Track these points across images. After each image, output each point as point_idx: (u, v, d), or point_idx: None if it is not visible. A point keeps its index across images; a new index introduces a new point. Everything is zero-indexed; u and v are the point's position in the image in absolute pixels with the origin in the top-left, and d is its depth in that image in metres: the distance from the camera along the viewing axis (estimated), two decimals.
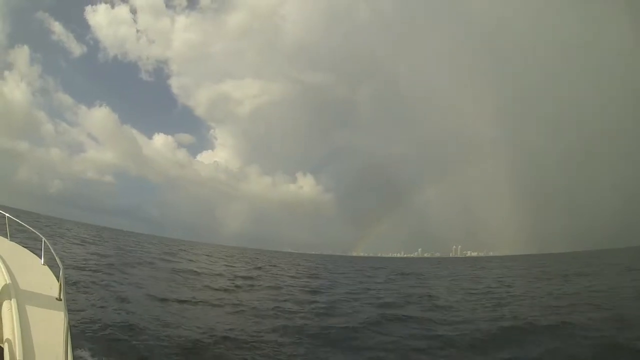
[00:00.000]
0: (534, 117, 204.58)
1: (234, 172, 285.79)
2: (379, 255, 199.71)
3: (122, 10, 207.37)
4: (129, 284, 14.08)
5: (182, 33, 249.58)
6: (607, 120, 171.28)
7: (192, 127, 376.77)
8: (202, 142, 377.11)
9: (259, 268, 31.39)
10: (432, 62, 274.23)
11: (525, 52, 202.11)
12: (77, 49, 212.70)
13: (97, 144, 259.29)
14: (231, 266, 30.59)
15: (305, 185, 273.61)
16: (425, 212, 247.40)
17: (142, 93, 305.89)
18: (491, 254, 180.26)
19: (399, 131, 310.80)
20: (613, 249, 72.62)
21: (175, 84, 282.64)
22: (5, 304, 2.84)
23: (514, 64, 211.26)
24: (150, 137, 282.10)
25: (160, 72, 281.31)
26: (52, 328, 2.66)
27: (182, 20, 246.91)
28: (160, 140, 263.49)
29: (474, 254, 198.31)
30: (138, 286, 13.84)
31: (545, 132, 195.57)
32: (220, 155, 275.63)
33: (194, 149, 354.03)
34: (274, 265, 37.45)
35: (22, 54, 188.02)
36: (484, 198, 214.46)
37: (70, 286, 10.74)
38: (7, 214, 4.91)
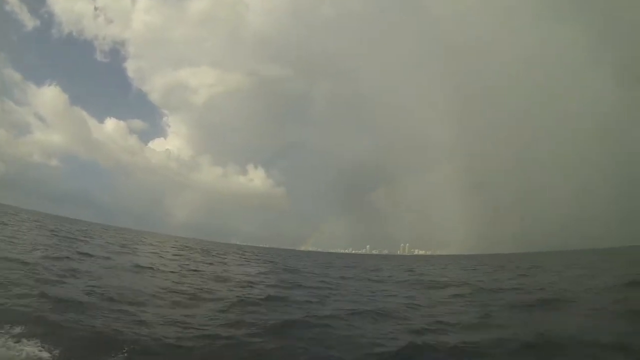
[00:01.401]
0: (490, 123, 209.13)
1: (186, 161, 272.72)
2: (328, 250, 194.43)
3: None
4: None
5: (142, 14, 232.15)
6: (562, 128, 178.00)
7: (145, 113, 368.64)
8: (155, 129, 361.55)
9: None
10: (394, 64, 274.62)
11: (488, 58, 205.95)
12: (30, 22, 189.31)
13: (45, 125, 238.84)
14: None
15: (256, 178, 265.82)
16: (376, 211, 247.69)
17: (96, 74, 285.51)
18: (438, 252, 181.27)
19: (355, 130, 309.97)
20: (562, 250, 73.28)
21: (131, 67, 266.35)
22: None
23: (476, 70, 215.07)
24: (101, 121, 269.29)
25: (117, 53, 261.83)
26: None
27: (143, 1, 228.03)
28: (111, 124, 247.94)
29: (422, 252, 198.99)
30: None
31: (501, 139, 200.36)
32: (172, 144, 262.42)
33: (146, 136, 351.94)
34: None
35: None
36: (436, 200, 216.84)
37: None
38: None
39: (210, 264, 25.21)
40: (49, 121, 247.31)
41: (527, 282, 17.45)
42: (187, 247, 45.95)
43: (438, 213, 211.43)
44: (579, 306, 10.11)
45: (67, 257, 16.21)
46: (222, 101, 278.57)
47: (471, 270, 29.89)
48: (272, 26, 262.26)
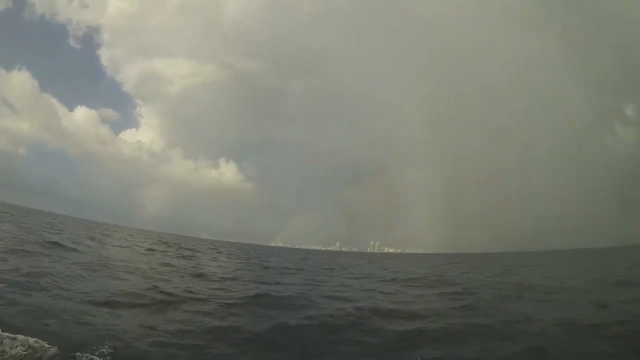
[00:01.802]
0: (469, 126, 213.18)
1: (157, 153, 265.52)
2: (297, 247, 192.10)
3: None
4: None
5: (118, 0, 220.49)
6: (541, 134, 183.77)
7: (117, 103, 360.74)
8: (127, 120, 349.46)
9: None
10: (374, 61, 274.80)
11: (471, 62, 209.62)
12: (1, 3, 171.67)
13: (13, 112, 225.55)
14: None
15: (228, 172, 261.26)
16: (345, 208, 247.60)
17: (68, 60, 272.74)
18: (408, 251, 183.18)
19: (330, 127, 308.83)
20: (533, 251, 75.01)
21: (105, 54, 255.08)
22: None
23: (457, 72, 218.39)
24: (71, 109, 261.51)
25: (90, 39, 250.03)
26: None
27: None
28: (82, 113, 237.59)
29: (392, 250, 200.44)
30: None
31: (478, 143, 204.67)
32: (144, 135, 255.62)
33: (118, 126, 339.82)
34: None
35: None
36: (409, 199, 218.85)
37: None
38: None
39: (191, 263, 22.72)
40: (18, 108, 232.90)
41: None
42: (163, 242, 42.20)
43: (410, 212, 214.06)
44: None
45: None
46: (196, 93, 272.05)
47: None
48: (251, 19, 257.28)
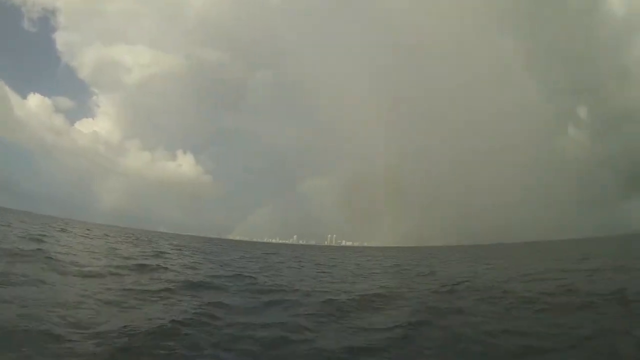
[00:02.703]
0: (426, 120, 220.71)
1: (114, 144, 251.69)
2: (254, 240, 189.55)
3: None
4: None
5: None
6: (494, 130, 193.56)
7: (73, 91, 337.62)
8: (83, 109, 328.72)
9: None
10: (336, 56, 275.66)
11: (431, 60, 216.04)
12: None
13: None
14: None
15: (185, 164, 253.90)
16: (305, 201, 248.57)
17: (21, 44, 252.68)
18: (365, 244, 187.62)
19: (289, 121, 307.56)
20: (488, 244, 79.80)
21: (61, 39, 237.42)
22: None
23: (417, 70, 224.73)
24: (24, 97, 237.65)
25: (46, 23, 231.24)
26: None
27: None
28: (35, 100, 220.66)
29: (349, 243, 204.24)
30: None
31: (434, 138, 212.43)
32: (100, 125, 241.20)
33: (73, 115, 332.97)
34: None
35: None
36: (366, 192, 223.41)
37: None
38: None
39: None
40: None
41: None
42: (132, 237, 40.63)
43: (367, 206, 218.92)
44: None
45: None
46: (156, 83, 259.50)
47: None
48: (214, 8, 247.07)
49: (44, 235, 22.70)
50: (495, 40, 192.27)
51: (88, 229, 45.90)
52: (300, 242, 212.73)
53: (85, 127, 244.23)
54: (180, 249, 29.26)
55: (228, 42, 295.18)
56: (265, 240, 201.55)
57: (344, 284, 14.27)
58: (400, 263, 26.88)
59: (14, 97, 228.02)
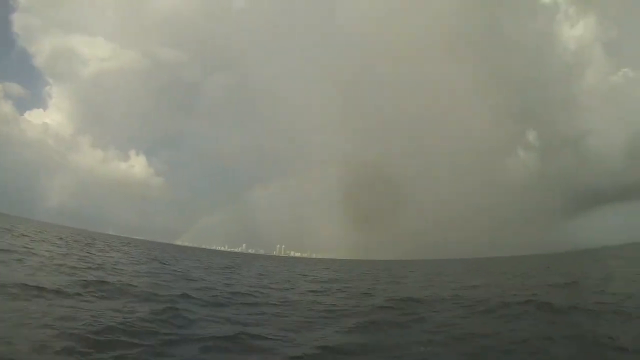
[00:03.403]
0: (376, 136, 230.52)
1: (65, 139, 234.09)
2: (203, 246, 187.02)
3: None
4: None
5: None
6: (441, 149, 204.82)
7: (26, 78, 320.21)
8: (35, 98, 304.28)
9: None
10: (293, 64, 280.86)
11: (386, 78, 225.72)
12: None
13: None
14: None
15: (137, 165, 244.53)
16: (255, 210, 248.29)
17: None
18: (314, 255, 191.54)
19: (243, 126, 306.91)
20: (438, 259, 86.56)
21: (18, 21, 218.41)
22: None
23: (370, 86, 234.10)
24: None
25: (5, 2, 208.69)
26: None
27: None
28: None
29: (297, 254, 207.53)
30: None
31: (384, 152, 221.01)
32: (52, 117, 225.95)
33: (24, 104, 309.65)
34: None
35: None
36: (316, 203, 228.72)
37: None
38: None
39: None
40: None
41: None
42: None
43: (315, 217, 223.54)
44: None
45: None
46: (112, 78, 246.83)
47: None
48: (176, 8, 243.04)
49: None
50: (450, 65, 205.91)
51: (40, 231, 42.38)
52: (250, 250, 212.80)
53: (35, 117, 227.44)
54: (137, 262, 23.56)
55: (187, 42, 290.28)
56: (213, 247, 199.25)
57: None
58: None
59: None
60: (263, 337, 7.53)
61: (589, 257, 41.24)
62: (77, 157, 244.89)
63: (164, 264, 24.81)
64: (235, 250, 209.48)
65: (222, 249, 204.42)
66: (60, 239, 34.87)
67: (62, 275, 12.66)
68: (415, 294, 14.41)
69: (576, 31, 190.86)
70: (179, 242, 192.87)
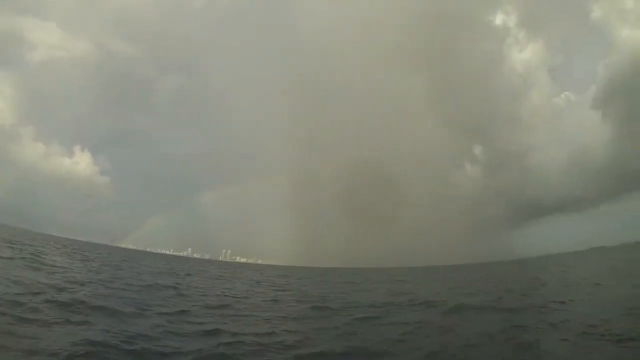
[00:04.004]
0: (328, 147, 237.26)
1: (5, 129, 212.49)
2: (148, 249, 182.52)
3: None
4: None
5: None
6: (393, 166, 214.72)
7: None
8: None
9: None
10: (250, 68, 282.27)
11: (341, 88, 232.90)
12: None
13: None
14: None
15: (82, 162, 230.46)
16: (201, 214, 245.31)
17: None
18: (260, 261, 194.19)
19: (195, 130, 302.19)
20: (388, 267, 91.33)
21: None
22: None
23: (327, 97, 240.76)
24: None
25: None
26: None
27: None
28: None
29: (243, 259, 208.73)
30: None
31: (336, 163, 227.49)
32: None
33: None
34: None
35: None
36: (263, 210, 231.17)
37: None
38: None
39: None
40: None
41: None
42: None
43: (262, 223, 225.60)
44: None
45: None
46: (61, 68, 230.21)
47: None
48: (136, 2, 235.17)
49: None
50: (406, 78, 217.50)
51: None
52: (195, 255, 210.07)
53: None
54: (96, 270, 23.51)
55: (144, 38, 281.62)
56: (159, 251, 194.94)
57: None
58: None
59: None
60: None
61: (528, 265, 48.66)
62: (17, 150, 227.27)
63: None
64: (181, 254, 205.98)
65: (167, 252, 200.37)
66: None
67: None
68: None
69: (524, 55, 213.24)
70: (122, 245, 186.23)
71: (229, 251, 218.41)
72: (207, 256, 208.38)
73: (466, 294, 19.94)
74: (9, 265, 17.24)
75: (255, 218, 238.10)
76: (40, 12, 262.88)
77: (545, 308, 13.05)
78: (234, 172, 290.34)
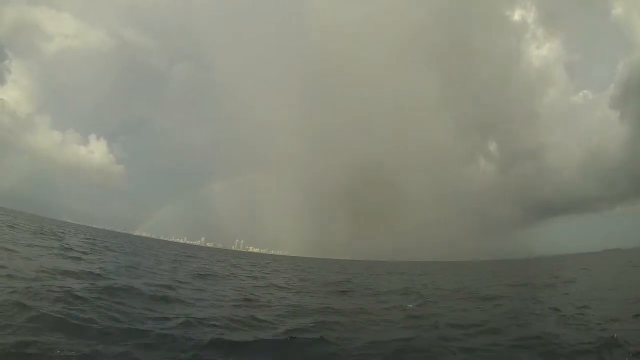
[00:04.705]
0: (337, 140, 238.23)
1: (22, 118, 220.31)
2: (162, 238, 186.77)
3: None
4: None
5: None
6: (401, 158, 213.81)
7: None
8: None
9: None
10: (260, 60, 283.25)
11: (353, 83, 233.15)
12: None
13: None
14: None
15: (97, 151, 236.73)
16: (212, 203, 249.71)
17: None
18: (272, 252, 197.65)
19: (206, 119, 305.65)
20: (398, 261, 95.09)
21: None
22: None
23: (336, 89, 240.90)
24: None
25: None
26: None
27: None
28: None
29: (256, 250, 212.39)
30: None
31: (345, 158, 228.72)
32: (10, 94, 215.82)
33: None
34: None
35: None
36: (272, 202, 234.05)
37: None
38: None
39: None
40: None
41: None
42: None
43: (272, 215, 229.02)
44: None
45: None
46: (77, 58, 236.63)
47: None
48: None
49: None
50: (419, 75, 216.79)
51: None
52: (208, 244, 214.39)
53: None
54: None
55: (157, 29, 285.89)
56: (172, 239, 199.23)
57: None
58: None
59: None
60: None
61: (538, 265, 47.38)
62: (34, 138, 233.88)
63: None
64: (195, 243, 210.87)
65: (181, 241, 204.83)
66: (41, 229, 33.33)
67: None
68: None
69: (542, 51, 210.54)
70: (136, 233, 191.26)
71: (242, 241, 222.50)
72: (219, 245, 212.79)
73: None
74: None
75: (264, 209, 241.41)
76: (55, 3, 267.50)
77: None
78: (244, 163, 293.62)
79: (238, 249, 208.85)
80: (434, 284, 24.04)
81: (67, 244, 22.73)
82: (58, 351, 5.79)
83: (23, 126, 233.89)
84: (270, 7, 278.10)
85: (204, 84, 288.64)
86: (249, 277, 22.53)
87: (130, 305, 9.26)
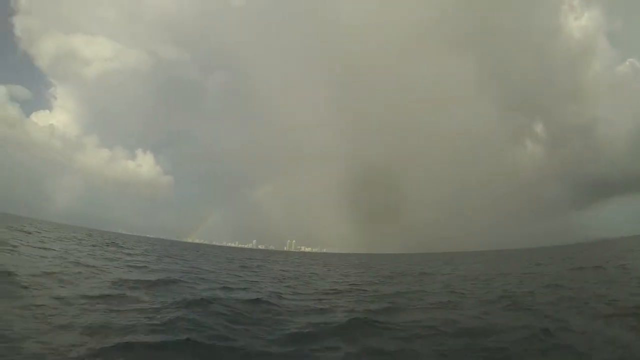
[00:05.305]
0: (377, 134, 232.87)
1: (71, 140, 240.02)
2: (214, 243, 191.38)
3: None
4: None
5: None
6: (444, 145, 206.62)
7: (30, 80, 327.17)
8: (40, 100, 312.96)
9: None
10: (293, 66, 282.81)
11: (386, 76, 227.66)
12: None
13: None
14: None
15: (145, 164, 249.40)
16: (258, 207, 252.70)
17: None
18: (324, 250, 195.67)
19: (244, 126, 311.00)
20: (445, 252, 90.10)
21: (20, 24, 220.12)
22: None
23: (369, 87, 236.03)
24: None
25: (4, 4, 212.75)
26: None
27: None
28: None
29: (308, 249, 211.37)
30: None
31: (385, 152, 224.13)
32: (58, 119, 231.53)
33: (29, 106, 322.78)
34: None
35: None
36: (321, 201, 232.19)
37: None
38: None
39: None
40: None
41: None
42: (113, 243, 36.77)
43: (318, 213, 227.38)
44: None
45: None
46: (116, 78, 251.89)
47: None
48: (179, 6, 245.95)
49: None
50: (451, 61, 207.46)
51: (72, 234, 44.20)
52: (260, 246, 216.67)
53: (41, 119, 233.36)
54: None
55: (189, 42, 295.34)
56: (224, 244, 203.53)
57: None
58: None
59: None
60: None
61: (597, 249, 42.34)
62: (84, 158, 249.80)
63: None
64: (246, 246, 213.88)
65: (233, 245, 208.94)
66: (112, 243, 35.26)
67: None
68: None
69: (581, 22, 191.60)
70: (189, 240, 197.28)
71: (294, 241, 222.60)
72: (271, 247, 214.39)
73: None
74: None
75: (308, 208, 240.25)
76: (89, 29, 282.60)
77: None
78: (284, 165, 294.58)
79: (290, 249, 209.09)
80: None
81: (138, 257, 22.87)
82: None
83: (73, 147, 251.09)
84: (297, 7, 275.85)
85: (240, 90, 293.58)
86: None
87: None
